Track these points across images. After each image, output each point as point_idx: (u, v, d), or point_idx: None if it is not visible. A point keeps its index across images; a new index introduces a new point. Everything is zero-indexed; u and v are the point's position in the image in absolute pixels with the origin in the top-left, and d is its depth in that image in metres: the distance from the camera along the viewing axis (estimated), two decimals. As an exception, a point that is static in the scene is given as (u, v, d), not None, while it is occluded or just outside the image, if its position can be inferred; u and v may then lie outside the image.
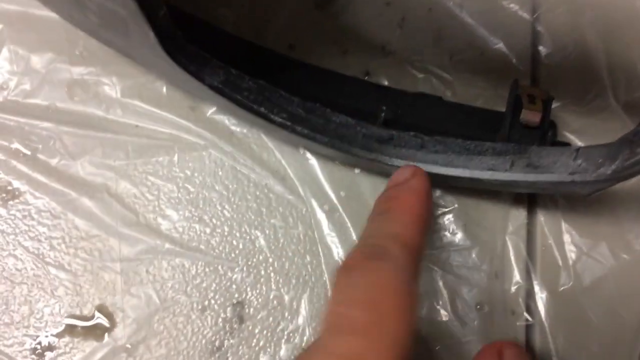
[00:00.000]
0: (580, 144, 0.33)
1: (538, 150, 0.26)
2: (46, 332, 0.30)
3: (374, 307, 0.18)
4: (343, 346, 0.18)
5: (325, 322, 0.19)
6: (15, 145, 0.32)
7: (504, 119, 0.30)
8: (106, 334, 0.30)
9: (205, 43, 0.28)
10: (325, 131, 0.29)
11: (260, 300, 0.31)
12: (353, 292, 0.19)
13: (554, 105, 0.31)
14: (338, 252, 0.32)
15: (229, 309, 0.31)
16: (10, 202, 0.31)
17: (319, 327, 0.30)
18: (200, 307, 0.31)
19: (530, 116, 0.29)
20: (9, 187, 0.32)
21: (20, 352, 0.30)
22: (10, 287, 0.31)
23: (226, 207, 0.32)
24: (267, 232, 0.32)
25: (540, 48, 0.34)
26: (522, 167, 0.27)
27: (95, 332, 0.30)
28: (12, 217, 0.31)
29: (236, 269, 0.31)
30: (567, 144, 0.32)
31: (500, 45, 0.34)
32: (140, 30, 0.23)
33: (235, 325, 0.31)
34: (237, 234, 0.32)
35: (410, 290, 0.19)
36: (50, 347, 0.30)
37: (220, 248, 0.32)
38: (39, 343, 0.30)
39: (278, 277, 0.31)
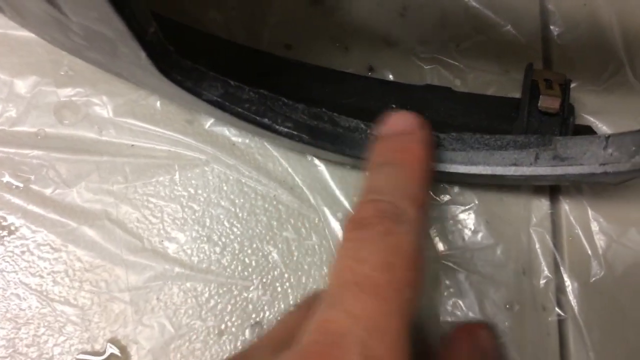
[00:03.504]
0: (600, 125, 0.31)
1: (564, 140, 0.25)
2: (58, 371, 0.29)
3: (393, 271, 0.18)
4: (359, 306, 0.17)
5: (338, 276, 0.19)
6: (6, 178, 0.30)
7: (520, 107, 0.29)
8: (121, 368, 0.29)
9: (197, 53, 0.26)
10: (333, 137, 0.28)
11: (279, 318, 0.30)
12: (371, 251, 0.18)
13: (570, 86, 0.29)
14: (356, 261, 0.30)
15: (247, 330, 0.29)
16: (7, 239, 0.30)
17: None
18: (217, 331, 0.29)
19: (549, 102, 0.28)
20: (4, 223, 0.30)
21: (32, 395, 0.28)
22: (16, 329, 0.29)
23: (235, 223, 0.30)
24: (280, 246, 0.30)
25: (552, 27, 0.32)
26: (548, 159, 0.25)
27: (110, 368, 0.29)
28: (11, 254, 0.30)
29: (251, 288, 0.30)
30: (588, 127, 0.30)
31: (509, 28, 0.32)
32: (130, 51, 0.21)
33: (255, 347, 0.29)
34: (249, 251, 0.30)
35: (423, 253, 0.19)
36: (64, 387, 0.29)
37: (233, 267, 0.30)
38: (52, 384, 0.29)
39: (296, 293, 0.30)
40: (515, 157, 0.26)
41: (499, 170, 0.26)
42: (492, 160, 0.26)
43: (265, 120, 0.26)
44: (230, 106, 0.26)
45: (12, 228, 0.30)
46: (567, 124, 0.28)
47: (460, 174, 0.27)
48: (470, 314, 0.29)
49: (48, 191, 0.30)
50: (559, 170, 0.25)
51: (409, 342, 0.17)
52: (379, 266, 0.18)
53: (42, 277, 0.29)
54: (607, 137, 0.24)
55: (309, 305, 0.22)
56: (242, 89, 0.26)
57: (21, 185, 0.30)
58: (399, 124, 0.24)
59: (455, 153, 0.27)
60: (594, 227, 0.30)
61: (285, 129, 0.27)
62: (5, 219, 0.30)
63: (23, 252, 0.30)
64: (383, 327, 0.17)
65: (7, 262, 0.29)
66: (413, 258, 0.19)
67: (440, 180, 0.30)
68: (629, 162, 0.23)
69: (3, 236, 0.30)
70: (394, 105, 0.30)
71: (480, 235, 0.30)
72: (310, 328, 0.17)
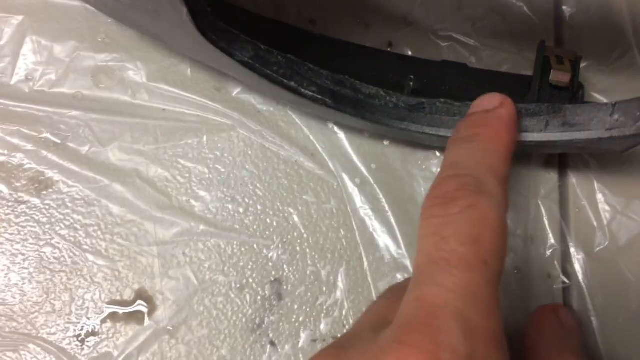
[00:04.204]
0: (609, 103, 0.32)
1: (573, 108, 0.26)
2: (88, 318, 0.30)
3: (480, 246, 0.18)
4: (451, 279, 0.17)
5: (426, 253, 0.19)
6: (45, 135, 0.32)
7: (532, 81, 0.30)
8: (147, 317, 0.31)
9: (228, 23, 0.28)
10: (355, 103, 0.29)
11: (297, 276, 0.31)
12: (456, 228, 0.19)
13: (580, 66, 0.31)
14: (372, 225, 0.32)
15: (267, 286, 0.31)
16: (44, 192, 0.32)
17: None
18: (238, 286, 0.31)
19: (559, 76, 0.29)
20: (42, 177, 0.32)
21: (63, 339, 0.30)
22: (50, 276, 0.31)
23: (258, 185, 0.32)
24: (300, 208, 0.32)
25: (564, 8, 0.33)
26: (558, 126, 0.26)
27: (137, 316, 0.31)
28: (47, 207, 0.31)
29: (272, 247, 0.31)
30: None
31: (523, 8, 0.34)
32: (172, 8, 0.23)
33: (274, 302, 0.31)
34: (271, 212, 0.32)
35: (506, 226, 0.19)
36: (93, 333, 0.30)
37: (255, 227, 0.32)
38: (82, 329, 0.30)
39: (314, 253, 0.31)
40: (526, 124, 0.27)
41: (511, 137, 0.27)
42: (504, 127, 0.28)
43: (292, 84, 0.28)
44: (260, 68, 0.27)
45: (50, 183, 0.32)
46: (576, 98, 0.30)
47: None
48: (479, 278, 0.31)
49: (84, 149, 0.32)
50: (568, 136, 0.26)
51: (500, 310, 0.18)
52: (466, 240, 0.18)
53: (76, 229, 0.31)
54: (614, 104, 0.25)
55: (392, 293, 0.23)
56: (271, 52, 0.28)
57: (59, 142, 0.32)
58: (483, 104, 0.25)
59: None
60: (600, 199, 0.31)
61: (310, 93, 0.28)
62: (43, 174, 0.32)
63: (59, 206, 0.31)
64: (477, 297, 0.17)
65: (44, 214, 0.31)
66: (498, 230, 0.19)
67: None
68: (633, 127, 0.24)
69: (40, 190, 0.32)
70: (412, 78, 0.31)
71: (490, 204, 0.32)
72: (406, 305, 0.18)
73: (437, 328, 0.16)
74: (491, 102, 0.24)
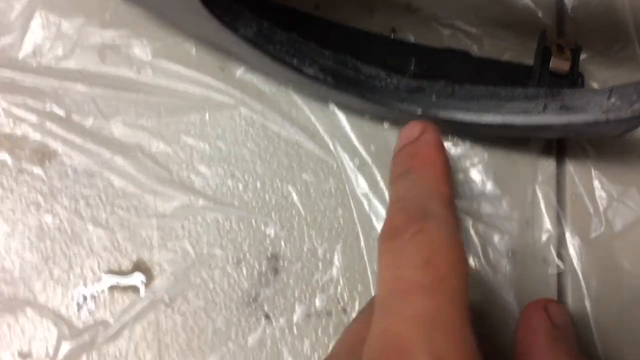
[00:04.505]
0: (607, 93, 0.33)
1: (571, 92, 0.27)
2: (86, 286, 0.31)
3: (432, 266, 0.18)
4: (410, 307, 0.18)
5: (384, 286, 0.19)
6: (50, 108, 0.32)
7: (532, 70, 0.31)
8: (144, 288, 0.31)
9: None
10: (356, 83, 0.30)
11: (294, 252, 0.32)
12: (407, 255, 0.19)
13: (581, 57, 0.31)
14: (369, 205, 0.32)
15: (263, 261, 0.31)
16: (47, 163, 0.32)
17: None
18: (235, 260, 0.31)
19: (559, 64, 0.30)
20: (45, 149, 0.32)
21: (61, 305, 0.31)
22: (50, 244, 0.31)
23: (258, 163, 0.32)
24: (298, 187, 0.32)
25: (566, 1, 0.34)
26: (556, 109, 0.27)
27: (134, 286, 0.31)
28: (49, 177, 0.32)
29: (269, 223, 0.32)
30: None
31: (526, 0, 0.34)
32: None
33: (270, 277, 0.31)
34: (270, 190, 0.32)
35: (458, 242, 0.20)
36: (90, 301, 0.31)
37: (254, 203, 0.32)
38: (79, 297, 0.31)
39: (311, 230, 0.32)
40: (525, 107, 0.28)
41: (509, 119, 0.28)
42: (503, 110, 0.28)
43: (294, 62, 0.29)
44: (263, 45, 0.28)
45: (53, 154, 0.32)
46: (575, 86, 0.30)
47: (472, 123, 0.29)
48: (474, 260, 0.31)
49: (87, 123, 0.32)
50: (565, 119, 0.27)
51: (470, 327, 0.18)
52: (420, 265, 0.18)
53: (77, 199, 0.32)
54: (611, 89, 0.26)
55: (369, 312, 0.23)
56: (275, 30, 0.28)
57: (64, 115, 0.32)
58: (407, 135, 0.25)
59: (469, 103, 0.29)
60: (597, 186, 0.32)
61: (312, 72, 0.29)
62: (47, 146, 0.32)
63: (61, 177, 0.32)
64: (440, 320, 0.17)
65: (46, 184, 0.32)
66: (449, 247, 0.19)
67: (453, 132, 0.32)
68: (629, 110, 0.25)
69: (44, 161, 0.32)
70: (413, 62, 0.32)
71: (487, 188, 0.32)
72: (372, 340, 0.18)
73: None
74: (414, 131, 0.25)
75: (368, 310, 0.24)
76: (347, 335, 0.23)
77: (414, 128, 0.25)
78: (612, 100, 0.25)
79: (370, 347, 0.18)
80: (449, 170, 0.23)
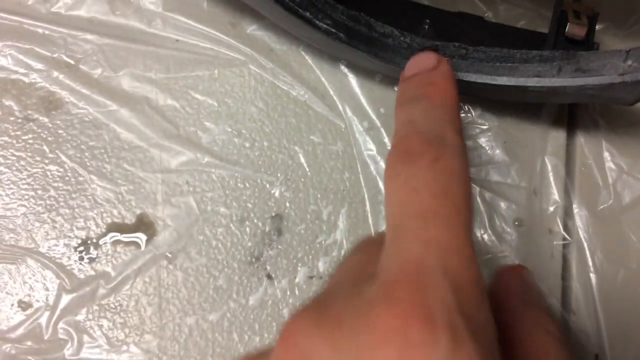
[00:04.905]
0: (622, 65, 0.32)
1: (587, 54, 0.26)
2: (88, 237, 0.31)
3: (449, 197, 0.19)
4: (428, 233, 0.18)
5: (398, 208, 0.19)
6: (58, 56, 0.32)
7: (548, 35, 0.30)
8: (147, 242, 0.31)
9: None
10: (368, 40, 0.29)
11: (298, 213, 0.31)
12: (425, 181, 0.19)
13: (597, 27, 0.31)
14: (376, 168, 0.32)
15: (267, 221, 0.31)
16: (54, 112, 0.32)
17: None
18: (239, 218, 0.31)
19: (576, 30, 0.29)
20: (52, 97, 0.32)
21: (62, 255, 0.30)
22: (54, 194, 0.31)
23: (266, 122, 0.32)
24: (306, 147, 0.32)
25: (584, -32, 0.33)
26: (571, 72, 0.26)
27: (137, 240, 0.31)
28: (55, 127, 0.32)
29: (275, 183, 0.32)
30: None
31: (543, -34, 0.33)
32: None
33: (274, 237, 0.31)
34: (277, 149, 0.32)
35: (470, 177, 0.20)
36: (92, 252, 0.30)
37: (260, 162, 0.32)
38: (81, 248, 0.31)
39: (316, 192, 0.32)
40: (539, 70, 0.27)
41: (522, 82, 0.27)
42: (516, 72, 0.28)
43: (307, 14, 0.28)
44: (276, -5, 0.27)
45: (59, 103, 0.32)
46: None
47: (485, 84, 0.28)
48: (480, 228, 0.31)
49: (95, 73, 0.32)
50: (580, 81, 0.26)
51: (476, 256, 0.18)
52: (437, 193, 0.19)
53: (82, 150, 0.31)
54: (628, 51, 0.25)
55: (365, 249, 0.23)
56: (289, -19, 0.28)
57: (72, 64, 0.32)
58: (420, 64, 0.25)
59: (482, 64, 0.28)
60: (607, 157, 0.31)
61: (324, 26, 0.28)
62: (53, 94, 0.32)
63: (67, 126, 0.32)
64: (456, 248, 0.17)
65: (52, 133, 0.31)
66: (465, 179, 0.19)
67: (465, 94, 0.32)
68: (646, 72, 0.24)
69: (50, 109, 0.32)
70: (427, 23, 0.31)
71: (496, 155, 0.32)
72: (388, 261, 0.18)
73: (425, 283, 0.16)
74: (428, 61, 0.24)
75: (364, 248, 0.23)
76: (345, 268, 0.22)
77: (427, 58, 0.25)
78: (629, 62, 0.25)
79: (387, 267, 0.18)
80: (459, 105, 0.23)
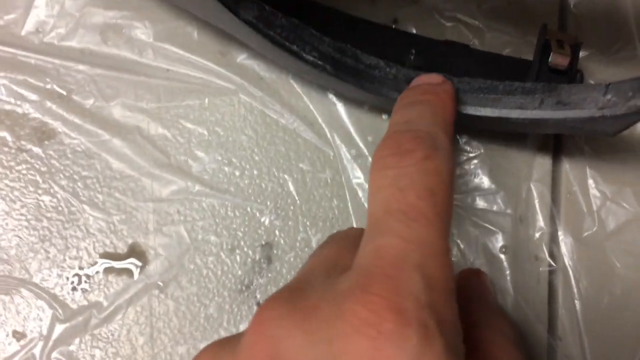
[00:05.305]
0: (607, 92, 0.33)
1: (568, 87, 0.27)
2: (81, 267, 0.31)
3: (434, 198, 0.19)
4: (409, 232, 0.18)
5: (382, 204, 0.19)
6: (51, 86, 0.33)
7: (532, 64, 0.31)
8: (139, 272, 0.31)
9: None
10: (355, 72, 0.30)
11: (288, 241, 0.32)
12: (412, 180, 0.19)
13: (581, 54, 0.31)
14: (364, 196, 0.32)
15: (257, 249, 0.32)
16: (46, 142, 0.32)
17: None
18: (229, 247, 0.32)
19: (559, 59, 0.30)
20: (45, 128, 0.32)
21: (55, 286, 0.31)
22: (47, 224, 0.31)
23: (255, 150, 0.33)
24: (295, 175, 0.32)
25: (569, -4, 0.34)
26: (552, 105, 0.27)
27: (128, 269, 0.31)
28: (48, 157, 0.32)
29: (265, 211, 0.32)
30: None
31: (529, -6, 0.34)
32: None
33: (264, 266, 0.31)
34: (266, 177, 0.32)
35: (454, 181, 0.21)
36: (85, 282, 0.31)
37: (250, 190, 0.32)
38: (74, 278, 0.31)
39: (305, 220, 0.32)
40: (522, 102, 0.28)
41: (505, 113, 0.28)
42: (500, 104, 0.28)
43: (294, 47, 0.29)
44: (264, 29, 0.28)
45: (52, 133, 0.32)
46: (574, 82, 0.30)
47: (469, 115, 0.29)
48: (467, 254, 0.31)
49: (87, 103, 0.33)
50: (561, 114, 0.27)
51: (452, 262, 0.19)
52: (423, 193, 0.19)
53: (74, 180, 0.32)
54: (608, 85, 0.26)
55: (339, 241, 0.23)
56: (276, 14, 0.28)
57: (64, 94, 0.32)
58: (427, 79, 0.26)
59: (466, 95, 0.29)
60: (591, 185, 0.32)
61: (311, 58, 0.29)
62: (46, 125, 0.32)
63: (60, 156, 0.32)
64: (434, 250, 0.18)
65: (45, 163, 0.32)
66: (450, 183, 0.20)
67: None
68: (624, 106, 0.25)
69: (43, 140, 0.32)
70: (413, 53, 0.32)
71: (483, 182, 0.32)
72: (365, 254, 0.18)
73: (399, 278, 0.17)
74: (435, 78, 0.26)
75: (337, 240, 0.24)
76: (318, 258, 0.23)
77: (435, 77, 0.26)
78: (609, 96, 0.25)
79: (363, 260, 0.18)
80: (453, 124, 0.24)
